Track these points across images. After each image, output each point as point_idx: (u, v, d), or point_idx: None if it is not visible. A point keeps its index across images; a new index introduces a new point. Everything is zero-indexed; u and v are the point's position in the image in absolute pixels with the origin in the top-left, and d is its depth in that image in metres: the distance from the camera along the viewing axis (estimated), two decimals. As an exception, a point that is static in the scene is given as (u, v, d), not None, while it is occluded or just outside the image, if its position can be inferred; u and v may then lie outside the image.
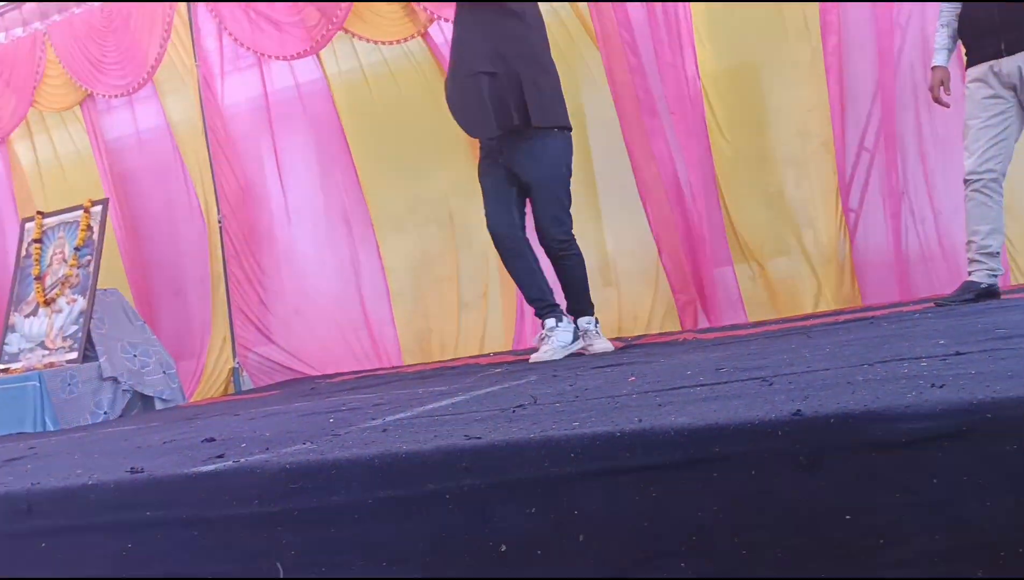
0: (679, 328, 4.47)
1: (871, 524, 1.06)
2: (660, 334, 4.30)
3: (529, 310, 4.75)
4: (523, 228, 3.60)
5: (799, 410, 1.18)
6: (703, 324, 4.39)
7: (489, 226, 3.59)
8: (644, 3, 4.46)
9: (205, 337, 5.35)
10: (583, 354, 3.53)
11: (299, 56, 5.17)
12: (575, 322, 3.60)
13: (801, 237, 4.43)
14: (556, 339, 3.49)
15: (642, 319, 4.63)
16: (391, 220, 5.25)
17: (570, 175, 3.59)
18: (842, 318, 3.43)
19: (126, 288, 5.38)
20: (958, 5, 3.38)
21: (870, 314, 3.41)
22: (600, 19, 4.54)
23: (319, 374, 5.02)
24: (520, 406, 1.80)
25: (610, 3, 4.49)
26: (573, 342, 3.54)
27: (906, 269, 4.18)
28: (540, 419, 1.56)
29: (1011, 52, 3.19)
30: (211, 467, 1.53)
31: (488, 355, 4.58)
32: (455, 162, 4.85)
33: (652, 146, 4.47)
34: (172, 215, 5.53)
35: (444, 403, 2.16)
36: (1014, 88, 3.22)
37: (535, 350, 3.57)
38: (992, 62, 3.25)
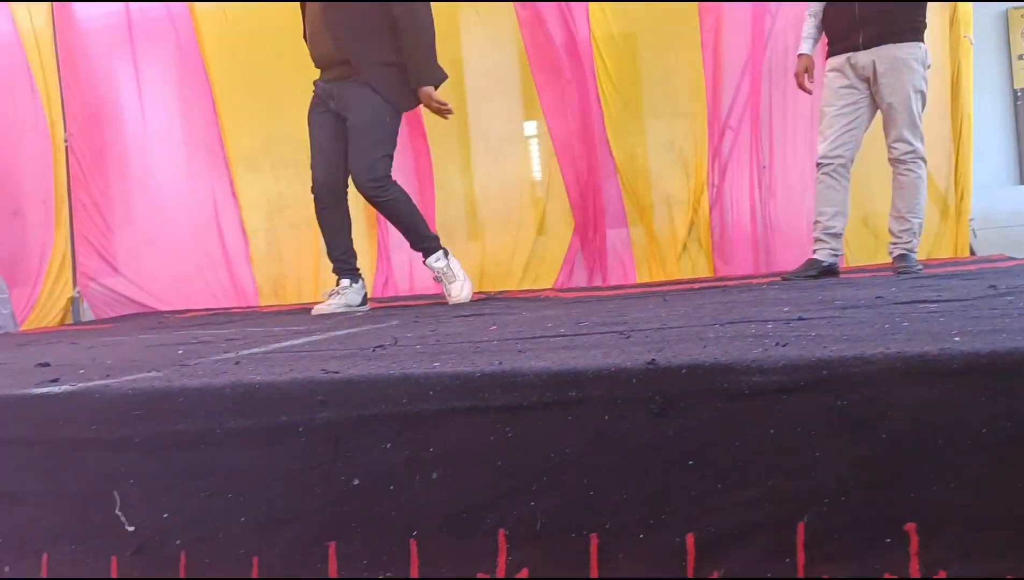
0: (540, 285, 4.56)
1: (718, 468, 1.12)
2: (521, 290, 4.35)
3: (395, 258, 4.75)
4: (345, 188, 3.55)
5: (653, 360, 1.22)
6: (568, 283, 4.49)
7: (315, 180, 3.54)
8: None
9: (43, 263, 5.01)
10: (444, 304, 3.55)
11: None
12: (424, 261, 3.60)
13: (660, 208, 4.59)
14: (345, 297, 3.54)
15: (504, 271, 4.67)
16: (248, 158, 5.06)
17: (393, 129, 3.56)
18: (697, 286, 3.57)
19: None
20: None
21: (722, 284, 3.56)
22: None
23: (168, 310, 4.80)
24: (380, 346, 1.78)
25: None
26: (361, 305, 3.61)
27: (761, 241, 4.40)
28: (400, 359, 1.54)
29: (867, 47, 3.38)
30: (45, 390, 1.44)
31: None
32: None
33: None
34: (14, 129, 5.11)
35: (301, 341, 2.11)
36: (867, 81, 3.42)
37: (402, 297, 3.57)
38: (850, 54, 3.43)
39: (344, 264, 3.61)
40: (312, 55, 3.57)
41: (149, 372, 1.62)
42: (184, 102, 5.17)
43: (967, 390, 1.07)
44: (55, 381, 1.57)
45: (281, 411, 1.29)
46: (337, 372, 1.38)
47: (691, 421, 1.14)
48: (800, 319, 1.65)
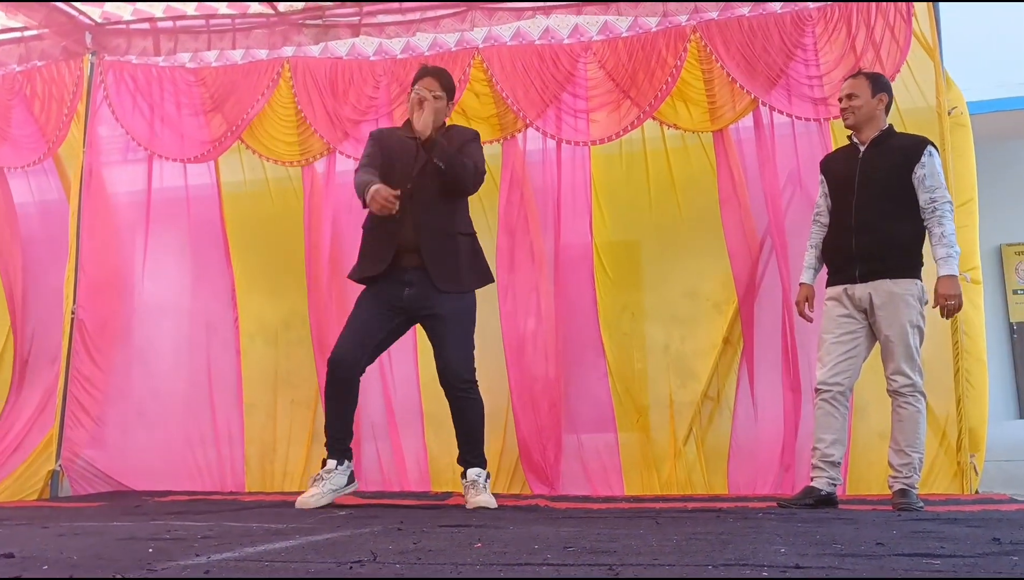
0: (529, 491, 4.45)
1: None
2: (512, 496, 4.24)
3: (407, 454, 4.69)
4: (362, 373, 3.59)
5: (642, 611, 1.16)
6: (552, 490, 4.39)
7: (337, 352, 3.53)
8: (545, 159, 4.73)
9: (33, 427, 4.99)
10: (463, 506, 3.49)
11: (193, 160, 5.15)
12: (464, 472, 3.58)
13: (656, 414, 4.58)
14: (329, 483, 3.48)
15: (502, 477, 4.58)
16: (261, 332, 5.12)
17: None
18: (691, 506, 3.47)
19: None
20: (825, 227, 3.68)
21: (718, 505, 3.47)
22: (507, 165, 4.74)
23: (149, 489, 4.67)
24: (358, 562, 1.71)
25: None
26: (347, 486, 3.57)
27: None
28: (377, 582, 1.47)
29: (864, 280, 3.47)
30: (0, 592, 1.37)
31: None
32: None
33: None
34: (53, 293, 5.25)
35: (277, 546, 2.03)
36: (865, 311, 3.48)
37: (387, 493, 3.48)
38: (847, 286, 3.51)
39: (339, 443, 3.54)
40: (387, 244, 3.56)
41: (113, 576, 1.54)
42: (197, 278, 5.29)
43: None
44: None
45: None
46: (308, 597, 1.31)
47: None
48: (797, 567, 1.59)
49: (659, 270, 4.82)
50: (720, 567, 1.60)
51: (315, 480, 3.50)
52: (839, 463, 3.48)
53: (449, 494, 4.25)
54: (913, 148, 3.50)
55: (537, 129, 4.73)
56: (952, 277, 3.33)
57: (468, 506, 3.46)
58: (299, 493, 4.50)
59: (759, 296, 4.48)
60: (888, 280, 3.41)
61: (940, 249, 3.37)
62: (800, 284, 3.72)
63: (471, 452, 3.60)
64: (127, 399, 5.12)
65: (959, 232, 4.09)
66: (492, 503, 3.48)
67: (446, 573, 1.57)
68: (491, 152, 4.84)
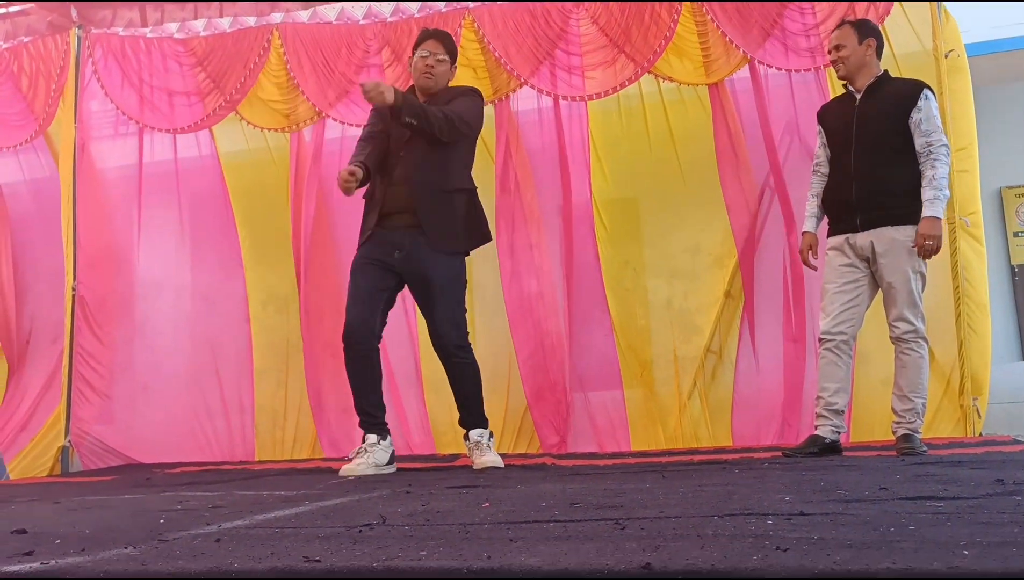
0: (539, 449, 4.48)
1: None
2: (519, 455, 4.27)
3: (409, 416, 4.71)
4: (380, 338, 3.57)
5: (649, 563, 1.17)
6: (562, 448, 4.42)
7: (349, 325, 3.49)
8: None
9: (39, 405, 5.01)
10: (470, 467, 3.51)
11: (185, 130, 5.12)
12: (467, 434, 3.58)
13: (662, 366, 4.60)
14: (373, 456, 3.42)
15: (507, 436, 4.61)
16: (273, 300, 5.13)
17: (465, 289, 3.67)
18: (697, 459, 3.50)
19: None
20: (825, 177, 3.65)
21: (724, 457, 3.49)
22: (500, 125, 4.71)
23: (159, 462, 4.71)
24: (367, 525, 1.72)
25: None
26: (388, 464, 3.49)
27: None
28: (386, 543, 1.49)
29: (865, 228, 3.45)
30: (15, 567, 1.38)
31: (345, 459, 4.41)
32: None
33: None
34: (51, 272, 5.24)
35: (287, 512, 2.05)
36: (867, 260, 3.47)
37: (474, 457, 3.51)
38: (848, 235, 3.50)
39: (372, 418, 3.50)
40: (384, 198, 3.56)
41: (126, 547, 1.56)
42: (196, 250, 5.28)
43: (978, 615, 1.01)
44: (28, 554, 1.51)
45: (256, 605, 1.23)
46: (319, 560, 1.32)
47: (687, 636, 1.08)
48: (802, 514, 1.60)
49: (660, 225, 4.80)
50: (726, 517, 1.62)
51: (358, 453, 3.45)
52: (843, 411, 3.50)
53: (456, 456, 4.28)
54: (909, 93, 3.46)
55: (532, 87, 4.68)
56: (935, 219, 3.30)
57: (475, 467, 3.47)
58: (309, 460, 4.57)
59: (759, 249, 4.47)
60: (889, 227, 3.40)
61: (928, 190, 3.34)
62: (803, 233, 3.71)
63: (471, 414, 3.60)
64: (131, 374, 5.14)
65: (959, 177, 4.09)
66: (499, 462, 3.50)
67: (455, 534, 1.59)
68: (485, 113, 4.81)
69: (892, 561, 1.12)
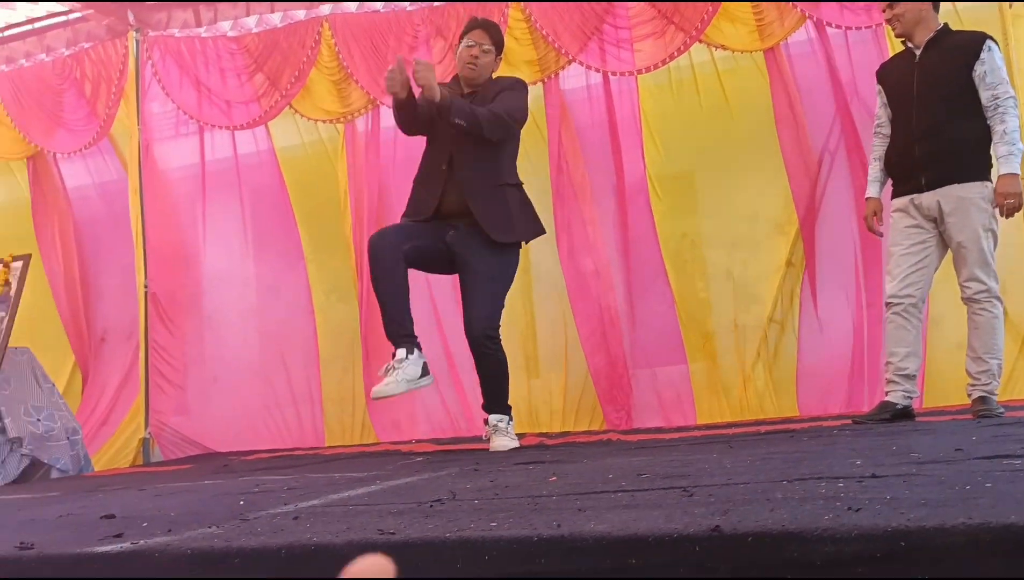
0: (603, 426, 4.49)
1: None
2: (584, 432, 4.29)
3: (471, 399, 4.76)
4: (406, 257, 3.47)
5: (718, 526, 1.18)
6: (627, 424, 4.43)
7: (372, 240, 3.46)
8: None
9: (119, 400, 5.21)
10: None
11: (243, 127, 5.23)
12: (487, 417, 3.56)
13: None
14: (403, 371, 3.31)
15: (568, 414, 4.64)
16: (337, 289, 5.21)
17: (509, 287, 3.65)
18: (763, 429, 3.47)
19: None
20: (887, 135, 3.57)
21: (791, 426, 3.46)
22: (551, 104, 4.69)
23: (234, 450, 4.86)
24: (438, 501, 1.76)
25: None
26: (423, 377, 3.40)
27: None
28: (457, 516, 1.52)
29: (931, 188, 3.36)
30: (107, 548, 1.45)
31: (412, 442, 4.49)
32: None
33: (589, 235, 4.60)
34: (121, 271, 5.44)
35: (359, 492, 2.10)
36: (934, 220, 3.38)
37: (460, 439, 3.53)
38: (913, 195, 3.41)
39: (401, 329, 3.41)
40: (430, 202, 3.55)
41: (210, 527, 1.62)
42: (259, 243, 5.41)
43: (1058, 567, 0.99)
44: (118, 536, 1.58)
45: (336, 574, 1.26)
46: (393, 533, 1.36)
47: (759, 595, 1.08)
48: (874, 476, 1.58)
49: (716, 196, 4.76)
50: (795, 481, 1.61)
51: (387, 371, 3.35)
52: (914, 376, 3.42)
53: (522, 435, 4.31)
54: (971, 45, 3.35)
55: (581, 63, 4.66)
56: (1013, 176, 3.21)
57: (490, 449, 3.44)
58: (378, 444, 4.66)
59: (820, 215, 4.39)
60: (956, 185, 3.30)
61: (1002, 147, 3.24)
62: (866, 198, 3.62)
63: (494, 402, 3.56)
64: (202, 366, 5.30)
65: (1026, 127, 3.95)
66: (515, 443, 3.50)
67: (524, 506, 1.61)
68: (534, 93, 4.80)
69: (968, 516, 1.10)
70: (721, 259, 4.68)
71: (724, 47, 4.52)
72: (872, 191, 3.61)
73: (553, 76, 4.74)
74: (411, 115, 3.49)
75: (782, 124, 4.43)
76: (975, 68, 3.31)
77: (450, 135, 3.49)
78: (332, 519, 1.60)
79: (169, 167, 5.47)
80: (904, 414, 3.35)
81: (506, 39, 4.67)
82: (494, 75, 3.72)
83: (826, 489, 1.48)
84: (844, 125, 4.33)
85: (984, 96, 3.29)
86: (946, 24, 3.49)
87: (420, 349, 3.44)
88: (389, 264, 3.41)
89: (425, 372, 3.43)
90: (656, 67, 4.57)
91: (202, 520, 1.72)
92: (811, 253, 4.37)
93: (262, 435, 5.09)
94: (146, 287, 5.11)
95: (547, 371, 4.84)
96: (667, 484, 1.75)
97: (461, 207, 3.51)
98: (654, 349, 4.60)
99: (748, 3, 4.43)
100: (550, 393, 4.75)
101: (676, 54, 4.52)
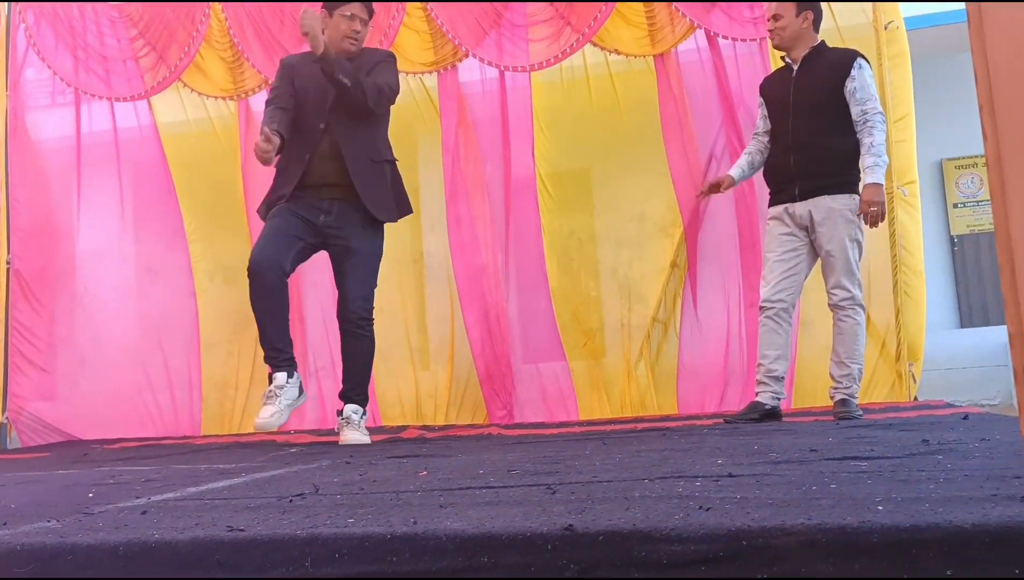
0: (486, 420, 4.50)
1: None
2: (466, 426, 4.29)
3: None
4: (288, 275, 3.39)
5: (571, 525, 1.18)
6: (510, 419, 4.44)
7: (255, 256, 3.31)
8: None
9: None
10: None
11: (127, 99, 4.99)
12: (341, 407, 3.48)
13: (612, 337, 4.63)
14: (284, 398, 3.25)
15: (453, 408, 4.63)
16: (221, 271, 5.04)
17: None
18: (640, 426, 3.54)
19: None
20: (763, 141, 3.69)
21: (667, 425, 3.53)
22: (446, 95, 4.66)
23: (99, 438, 4.63)
24: (299, 495, 1.71)
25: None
26: (299, 397, 3.37)
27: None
28: (316, 512, 1.48)
29: (803, 198, 3.50)
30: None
31: (290, 433, 4.38)
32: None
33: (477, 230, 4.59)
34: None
35: (221, 485, 2.02)
36: (806, 229, 3.52)
37: (341, 434, 3.43)
38: (788, 205, 3.55)
39: (281, 354, 3.32)
40: (306, 170, 3.44)
41: (49, 521, 1.52)
42: (138, 222, 5.18)
43: (885, 567, 1.03)
44: (-54, 529, 1.47)
45: (175, 573, 1.21)
46: (243, 530, 1.31)
47: (606, 594, 1.09)
48: (730, 476, 1.62)
49: (605, 195, 4.83)
50: (656, 480, 1.64)
51: (268, 397, 3.28)
52: (783, 378, 3.56)
53: (403, 427, 4.28)
54: (843, 62, 3.49)
55: (474, 56, 4.64)
56: (877, 185, 3.36)
57: (340, 442, 3.37)
58: (255, 433, 4.52)
59: (704, 219, 4.51)
60: (827, 196, 3.45)
61: (868, 158, 3.40)
62: (726, 175, 3.79)
63: (355, 389, 3.49)
64: (71, 348, 5.04)
65: (897, 147, 4.16)
66: (366, 439, 3.41)
67: (387, 501, 1.58)
68: (429, 84, 4.77)
69: (808, 517, 1.14)
70: (608, 258, 4.75)
71: (618, 51, 4.58)
72: (732, 171, 3.79)
73: (449, 67, 4.70)
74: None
75: (669, 129, 4.53)
76: (846, 85, 3.45)
77: (320, 109, 3.40)
78: (183, 514, 1.53)
79: (41, 137, 5.17)
80: (772, 414, 3.48)
81: (401, 28, 4.62)
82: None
83: (683, 488, 1.51)
84: (729, 133, 4.45)
85: (854, 111, 3.44)
86: (823, 41, 3.63)
87: (297, 368, 3.39)
88: (271, 283, 3.29)
89: (301, 391, 3.39)
90: (549, 64, 4.59)
91: (43, 513, 1.62)
92: (693, 256, 4.49)
93: (132, 422, 4.88)
94: (8, 263, 4.81)
95: (434, 364, 4.82)
96: (534, 481, 1.75)
97: (335, 178, 3.42)
98: (537, 345, 4.64)
99: (641, 6, 4.50)
100: (436, 386, 4.72)
101: (569, 51, 4.56)
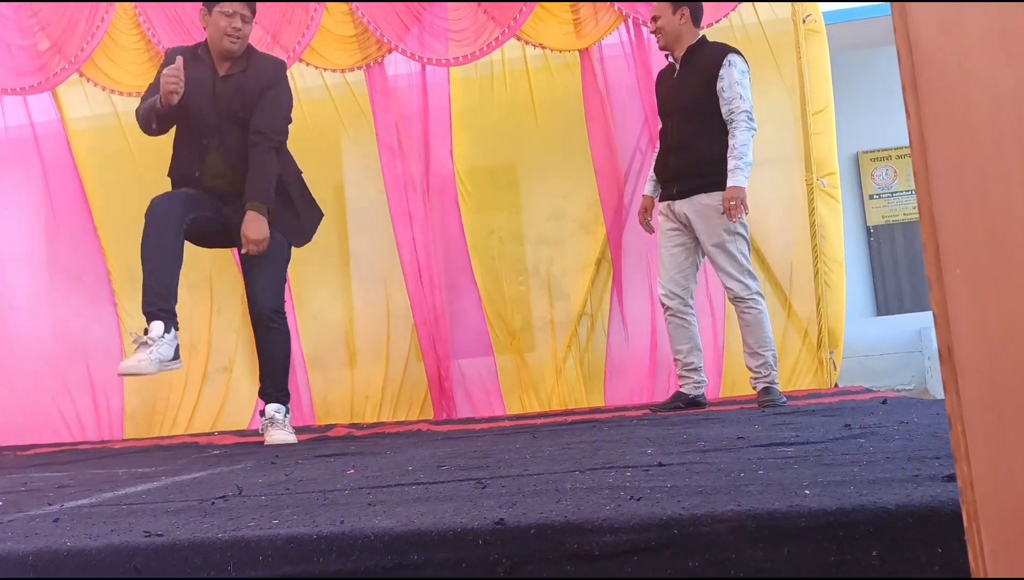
0: (417, 417, 4.46)
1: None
2: (395, 423, 4.24)
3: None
4: (183, 231, 3.22)
5: (502, 519, 1.16)
6: (442, 414, 4.42)
7: (154, 203, 3.17)
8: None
9: None
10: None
11: (30, 91, 4.77)
12: (263, 408, 3.39)
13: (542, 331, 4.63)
14: (157, 350, 3.00)
15: (386, 406, 4.57)
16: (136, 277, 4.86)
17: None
18: (570, 419, 3.55)
19: None
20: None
21: (596, 417, 3.55)
22: (375, 90, 4.59)
23: (10, 445, 4.44)
24: (222, 497, 1.65)
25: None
26: (174, 359, 3.12)
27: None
28: (239, 514, 1.43)
29: (681, 197, 3.54)
30: None
31: (213, 434, 4.27)
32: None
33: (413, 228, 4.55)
34: None
35: (139, 489, 1.95)
36: (688, 226, 3.55)
37: (267, 434, 3.34)
38: (670, 202, 3.60)
39: (164, 302, 3.10)
40: (204, 181, 3.34)
41: (-51, 533, 1.44)
42: (54, 224, 4.96)
43: (813, 550, 1.04)
44: None
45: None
46: (161, 535, 1.25)
47: (538, 588, 1.08)
48: (660, 465, 1.63)
49: (525, 193, 4.82)
50: (587, 471, 1.63)
51: (139, 344, 3.02)
52: (700, 368, 3.61)
53: (332, 426, 4.21)
54: (714, 60, 3.48)
55: (395, 49, 4.58)
56: (737, 187, 3.34)
57: (266, 443, 3.27)
58: (177, 436, 4.40)
59: (628, 216, 4.53)
60: (703, 194, 3.47)
61: (731, 161, 3.38)
62: (643, 196, 3.78)
63: (274, 386, 3.39)
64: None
65: (816, 139, 4.25)
66: (292, 439, 3.33)
67: (313, 501, 1.54)
68: (354, 79, 4.70)
69: (737, 503, 1.14)
70: (528, 256, 4.74)
71: (543, 46, 4.58)
72: (647, 189, 3.77)
73: (376, 62, 4.63)
74: (166, 124, 3.31)
75: (593, 125, 4.54)
76: (717, 83, 3.46)
77: (208, 124, 3.30)
78: (97, 520, 1.46)
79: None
80: (695, 403, 3.53)
81: (323, 20, 4.53)
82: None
83: (614, 479, 1.51)
84: (652, 128, 4.49)
85: (723, 110, 3.45)
86: (703, 37, 3.61)
87: (177, 328, 3.16)
88: (168, 229, 3.13)
89: (176, 355, 3.13)
90: (469, 59, 4.55)
91: (-55, 525, 1.53)
92: (618, 252, 4.51)
93: (47, 428, 4.69)
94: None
95: (366, 362, 4.75)
96: (464, 476, 1.73)
97: (226, 190, 3.32)
98: (464, 342, 4.62)
99: (566, 2, 4.50)
100: (368, 384, 4.66)
101: (494, 45, 4.53)
